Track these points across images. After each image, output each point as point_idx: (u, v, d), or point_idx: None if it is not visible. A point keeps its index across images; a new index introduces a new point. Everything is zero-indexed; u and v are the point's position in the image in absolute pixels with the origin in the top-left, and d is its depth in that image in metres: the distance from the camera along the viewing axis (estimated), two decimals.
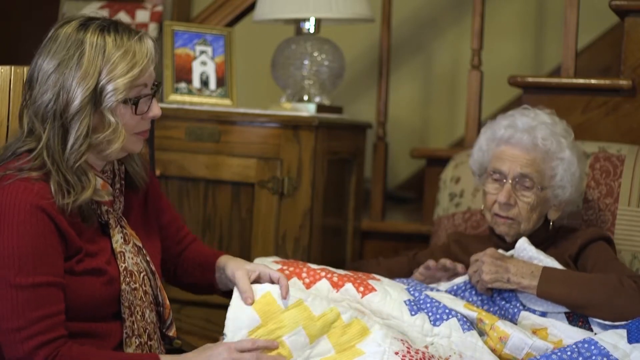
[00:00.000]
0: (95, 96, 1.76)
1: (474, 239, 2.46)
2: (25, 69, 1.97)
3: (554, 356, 1.92)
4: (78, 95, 1.75)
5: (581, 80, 2.84)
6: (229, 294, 1.97)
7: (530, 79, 2.91)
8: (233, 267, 2.00)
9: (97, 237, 1.85)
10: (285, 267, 2.19)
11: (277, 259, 2.33)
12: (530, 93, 2.88)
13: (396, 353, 1.88)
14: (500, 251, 2.24)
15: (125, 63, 1.77)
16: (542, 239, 2.33)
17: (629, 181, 2.46)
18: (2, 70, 1.96)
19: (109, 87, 1.76)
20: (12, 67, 1.96)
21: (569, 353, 1.92)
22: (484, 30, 3.13)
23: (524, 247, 2.23)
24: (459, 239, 2.48)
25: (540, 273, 2.14)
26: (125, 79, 1.77)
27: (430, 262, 2.33)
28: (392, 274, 2.40)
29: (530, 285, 2.14)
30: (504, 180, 2.28)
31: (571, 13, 2.91)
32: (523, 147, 2.28)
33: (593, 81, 2.82)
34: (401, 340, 1.93)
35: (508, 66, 3.63)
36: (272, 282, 1.96)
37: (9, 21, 4.16)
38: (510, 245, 2.30)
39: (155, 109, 1.86)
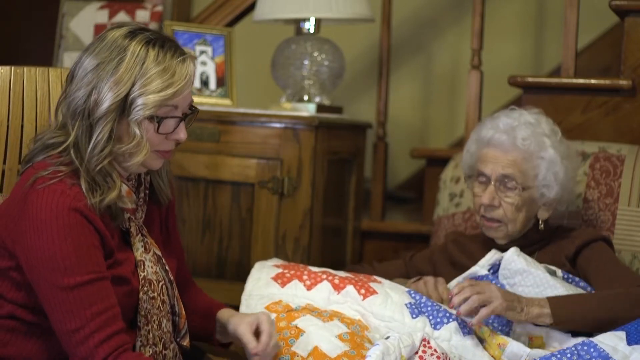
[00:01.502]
0: (124, 105, 1.76)
1: (472, 238, 2.45)
2: (26, 69, 1.98)
3: (553, 358, 1.92)
4: (107, 100, 1.74)
5: (581, 80, 2.84)
6: (227, 345, 2.01)
7: (530, 79, 2.91)
8: (235, 322, 1.96)
9: (123, 246, 1.85)
10: (286, 271, 2.19)
11: (278, 261, 2.32)
12: (530, 93, 2.88)
13: None
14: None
15: (161, 81, 1.76)
16: (537, 239, 2.32)
17: (629, 181, 2.46)
18: (2, 71, 1.96)
19: (139, 101, 1.75)
20: (12, 67, 1.97)
21: (568, 355, 1.91)
22: (484, 30, 3.12)
23: (513, 259, 2.19)
24: (457, 239, 2.48)
25: (547, 302, 2.05)
26: (158, 96, 1.76)
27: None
28: (388, 278, 2.39)
29: (542, 313, 2.04)
30: (489, 183, 2.28)
31: (571, 13, 2.91)
32: (503, 147, 2.28)
33: (593, 81, 2.81)
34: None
35: (508, 66, 3.62)
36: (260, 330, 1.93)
37: (9, 21, 4.17)
38: (504, 247, 2.30)
39: (182, 133, 1.84)
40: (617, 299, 2.07)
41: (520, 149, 2.26)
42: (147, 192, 1.93)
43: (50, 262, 1.69)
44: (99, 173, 1.76)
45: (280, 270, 2.20)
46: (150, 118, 1.78)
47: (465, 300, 2.01)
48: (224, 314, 2.04)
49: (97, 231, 1.74)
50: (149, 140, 1.80)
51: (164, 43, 1.80)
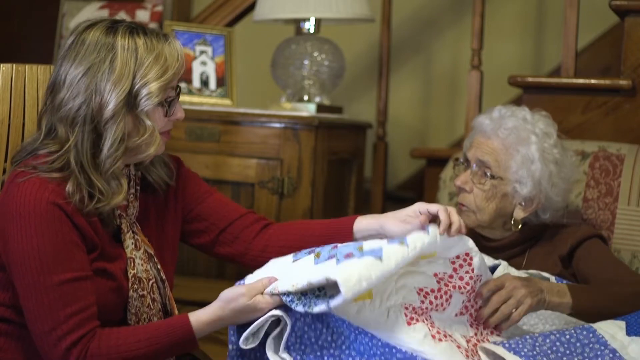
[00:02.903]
0: (130, 100, 1.75)
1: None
2: (27, 66, 1.97)
3: (552, 336, 1.90)
4: (112, 99, 1.73)
5: (581, 80, 2.84)
6: None
7: (530, 79, 2.91)
8: (394, 224, 1.89)
9: (114, 242, 1.83)
10: None
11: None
12: (530, 93, 2.89)
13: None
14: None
15: (158, 67, 1.76)
16: (529, 236, 2.31)
17: (628, 180, 2.46)
18: (4, 68, 1.96)
19: (144, 91, 1.74)
20: (14, 65, 1.96)
21: (567, 336, 1.91)
22: (484, 30, 3.13)
23: None
24: None
25: (567, 291, 2.03)
26: (159, 82, 1.76)
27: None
28: None
29: (562, 303, 2.02)
30: (469, 167, 2.28)
31: (571, 13, 2.92)
32: (486, 134, 2.28)
33: (593, 81, 2.82)
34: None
35: (508, 66, 3.63)
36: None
37: (10, 20, 4.17)
38: (494, 242, 2.30)
39: (180, 112, 1.85)
40: (636, 298, 2.05)
41: (499, 137, 2.25)
42: (138, 187, 1.91)
43: (27, 258, 1.68)
44: (106, 178, 1.75)
45: None
46: (160, 104, 1.78)
47: (495, 311, 1.96)
48: (370, 222, 1.93)
49: (75, 227, 1.72)
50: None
51: (145, 30, 1.79)
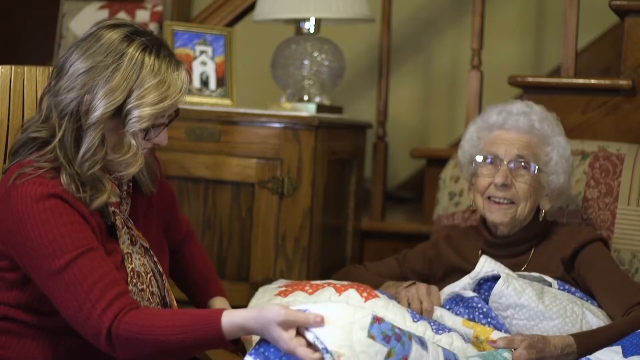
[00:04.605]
0: (119, 116, 1.75)
1: (465, 233, 2.43)
2: (26, 68, 1.98)
3: None
4: (100, 107, 1.73)
5: (581, 80, 2.84)
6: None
7: (530, 79, 2.91)
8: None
9: (110, 238, 1.84)
10: (289, 288, 2.20)
11: (282, 282, 2.32)
12: (530, 93, 2.88)
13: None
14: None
15: (157, 93, 1.75)
16: (534, 234, 2.31)
17: (628, 180, 2.46)
18: (3, 70, 1.96)
19: (135, 113, 1.74)
20: (13, 67, 1.97)
21: None
22: (484, 30, 3.13)
23: (503, 294, 2.11)
24: (450, 234, 2.45)
25: (575, 346, 2.01)
26: (153, 109, 1.75)
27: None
28: (383, 278, 2.39)
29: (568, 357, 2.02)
30: (501, 164, 2.26)
31: (571, 13, 2.92)
32: (519, 129, 2.27)
33: (593, 81, 2.82)
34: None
35: (508, 66, 3.63)
36: None
37: (9, 21, 4.17)
38: (501, 239, 2.29)
39: (164, 139, 1.85)
40: (634, 324, 2.05)
41: (537, 131, 2.27)
42: (131, 184, 1.92)
43: (39, 250, 1.69)
44: (89, 177, 1.76)
45: (283, 288, 2.22)
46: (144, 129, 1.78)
47: None
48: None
49: (79, 212, 1.73)
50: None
51: (159, 50, 1.78)
